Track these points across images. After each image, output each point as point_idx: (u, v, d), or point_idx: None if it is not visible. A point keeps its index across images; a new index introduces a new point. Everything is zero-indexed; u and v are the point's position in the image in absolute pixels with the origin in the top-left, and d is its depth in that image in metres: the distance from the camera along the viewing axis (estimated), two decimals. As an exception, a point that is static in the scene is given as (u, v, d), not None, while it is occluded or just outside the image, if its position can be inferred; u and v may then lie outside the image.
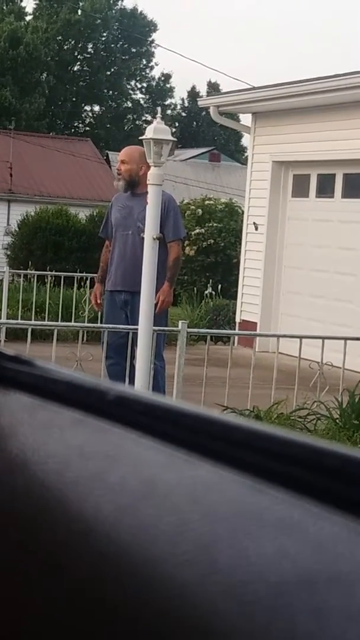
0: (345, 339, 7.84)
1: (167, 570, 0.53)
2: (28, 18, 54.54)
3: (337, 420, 7.08)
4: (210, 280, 16.51)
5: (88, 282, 14.54)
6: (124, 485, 0.63)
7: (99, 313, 12.93)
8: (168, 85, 61.49)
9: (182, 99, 63.34)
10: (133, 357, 7.09)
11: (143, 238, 6.75)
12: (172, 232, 7.48)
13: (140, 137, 6.99)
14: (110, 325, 7.55)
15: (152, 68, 61.04)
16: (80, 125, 58.96)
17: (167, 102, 60.29)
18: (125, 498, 0.61)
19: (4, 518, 0.65)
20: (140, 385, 6.70)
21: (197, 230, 17.14)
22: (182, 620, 0.51)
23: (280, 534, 0.53)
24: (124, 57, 58.73)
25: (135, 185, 7.61)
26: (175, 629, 0.51)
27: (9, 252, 21.75)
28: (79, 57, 57.88)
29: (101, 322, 8.76)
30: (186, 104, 61.91)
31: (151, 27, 59.28)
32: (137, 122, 58.37)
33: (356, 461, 0.57)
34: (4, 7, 54.21)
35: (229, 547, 0.53)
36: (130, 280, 7.38)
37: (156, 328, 6.96)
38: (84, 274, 14.93)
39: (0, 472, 0.69)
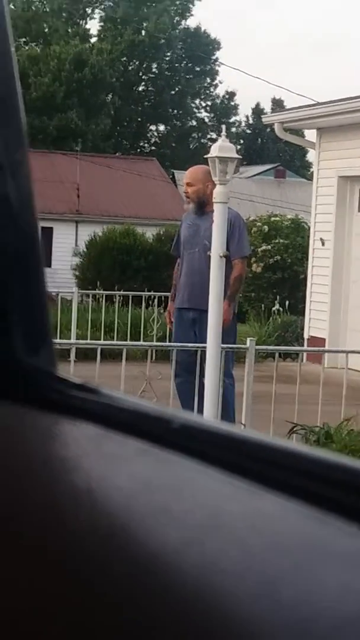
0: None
1: (232, 606, 0.53)
2: (93, 40, 55.05)
3: None
4: (278, 297, 16.45)
5: (156, 300, 14.60)
6: (189, 518, 0.63)
7: (168, 331, 12.99)
8: (232, 103, 61.59)
9: (247, 116, 63.45)
10: (202, 374, 7.08)
11: (209, 256, 6.77)
12: (236, 249, 7.52)
13: (205, 156, 7.00)
14: (179, 344, 7.57)
15: (216, 86, 61.16)
16: (145, 145, 59.29)
17: (231, 120, 60.39)
18: (190, 531, 0.61)
19: (71, 553, 0.66)
20: (210, 403, 6.69)
21: (264, 247, 17.11)
22: None
23: (346, 569, 0.52)
24: (188, 76, 58.97)
25: (204, 204, 7.66)
26: None
27: (77, 273, 21.91)
28: (143, 77, 58.25)
29: (170, 341, 8.78)
30: (250, 121, 61.96)
31: (214, 45, 59.44)
32: (202, 141, 58.52)
33: None
34: (69, 30, 54.84)
35: (293, 582, 0.53)
36: (198, 298, 7.41)
37: (224, 346, 6.95)
38: (152, 293, 14.98)
39: (66, 504, 0.70)
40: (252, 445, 0.69)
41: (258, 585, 0.53)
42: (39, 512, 0.72)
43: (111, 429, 0.80)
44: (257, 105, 62.22)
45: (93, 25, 72.15)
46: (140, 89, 58.53)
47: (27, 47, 50.88)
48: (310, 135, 15.11)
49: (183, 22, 59.34)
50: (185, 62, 59.11)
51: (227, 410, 7.34)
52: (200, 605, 0.54)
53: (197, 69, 59.48)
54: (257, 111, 59.68)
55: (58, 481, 0.74)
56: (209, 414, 6.72)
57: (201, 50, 57.01)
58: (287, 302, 16.20)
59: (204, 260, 7.35)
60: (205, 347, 6.81)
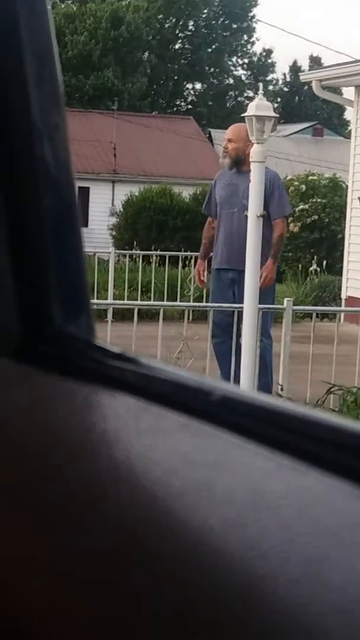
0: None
1: (276, 589, 0.52)
2: (128, -2, 54.69)
3: None
4: (315, 257, 16.38)
5: (193, 261, 14.56)
6: (231, 496, 0.61)
7: (204, 292, 12.97)
8: (269, 61, 61.07)
9: (284, 74, 62.91)
10: (239, 335, 7.08)
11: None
12: (276, 209, 7.48)
13: (242, 114, 6.95)
14: (216, 305, 7.55)
15: (253, 44, 60.67)
16: (182, 103, 58.97)
17: (268, 78, 59.90)
18: (232, 510, 0.60)
19: (110, 529, 0.65)
20: (247, 365, 6.69)
21: (301, 207, 17.01)
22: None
23: None
24: (225, 34, 58.48)
25: (241, 163, 7.58)
26: None
27: (114, 233, 21.91)
28: (180, 35, 57.83)
29: (207, 301, 8.76)
30: (288, 79, 61.42)
31: (252, 2, 58.85)
32: (239, 99, 58.13)
33: None
34: (105, -12, 54.49)
35: (338, 564, 0.51)
36: (237, 258, 7.37)
37: (261, 306, 6.93)
38: (189, 253, 14.96)
39: (105, 480, 0.69)
40: (295, 419, 0.68)
41: (302, 567, 0.52)
42: (78, 486, 0.71)
43: (150, 400, 0.79)
44: (295, 62, 61.67)
45: (129, -17, 71.62)
46: (177, 47, 58.12)
47: (63, 5, 50.60)
48: (349, 92, 14.95)
49: (220, -22, 58.79)
50: (222, 19, 58.59)
51: (265, 371, 7.32)
52: (242, 588, 0.53)
53: (234, 26, 58.95)
54: (295, 69, 59.14)
55: (97, 454, 0.73)
56: (246, 376, 6.71)
57: (238, 7, 56.46)
58: (324, 262, 16.12)
59: (244, 220, 7.32)
60: (242, 308, 6.79)
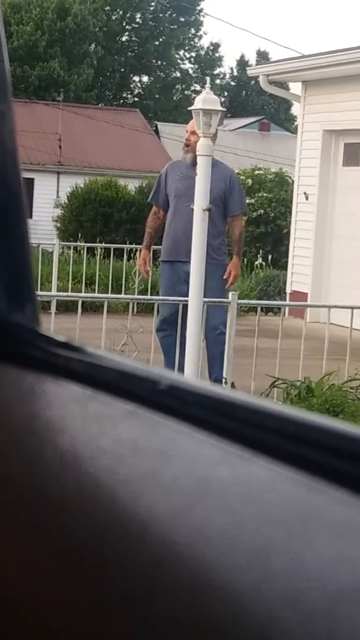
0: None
1: (222, 575, 0.52)
2: (76, -12, 54.41)
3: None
4: (261, 251, 16.44)
5: (138, 253, 14.55)
6: (178, 484, 0.61)
7: (150, 284, 12.95)
8: (217, 55, 61.13)
9: (231, 68, 63.04)
10: (213, 328, 7.25)
11: (208, 210, 6.75)
12: (238, 205, 7.56)
13: (189, 108, 6.95)
14: (161, 298, 7.55)
15: (200, 37, 60.62)
16: (128, 96, 58.85)
17: (216, 72, 59.96)
18: (179, 497, 0.60)
19: (55, 516, 0.64)
20: (192, 356, 6.71)
21: (247, 201, 17.04)
22: (238, 628, 0.49)
23: (338, 538, 0.51)
24: (172, 27, 58.43)
25: None
26: (231, 637, 0.49)
27: (58, 225, 21.81)
28: (127, 27, 57.69)
29: (153, 294, 8.74)
30: (235, 73, 61.53)
31: (199, -5, 58.84)
32: (185, 92, 58.12)
33: None
34: (52, -22, 54.14)
35: (284, 551, 0.52)
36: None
37: (207, 300, 6.95)
38: (134, 246, 14.95)
39: (51, 468, 0.68)
40: (242, 408, 0.68)
41: (249, 554, 0.52)
42: (23, 473, 0.71)
43: (96, 389, 0.79)
44: (242, 57, 61.85)
45: (76, -26, 71.22)
46: (124, 39, 57.97)
47: (9, -5, 50.21)
48: (296, 88, 15.02)
49: (168, -29, 58.73)
50: (169, 12, 58.53)
51: (221, 360, 7.36)
52: (189, 574, 0.53)
53: (182, 19, 58.92)
54: (242, 63, 59.26)
55: (42, 442, 0.72)
56: (191, 368, 6.73)
57: (185, 0, 56.42)
58: (270, 257, 16.19)
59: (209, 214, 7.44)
60: (187, 301, 6.81)
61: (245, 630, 0.49)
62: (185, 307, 7.03)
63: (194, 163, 7.55)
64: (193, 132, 7.58)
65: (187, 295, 7.31)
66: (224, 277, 7.57)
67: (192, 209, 7.46)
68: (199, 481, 0.61)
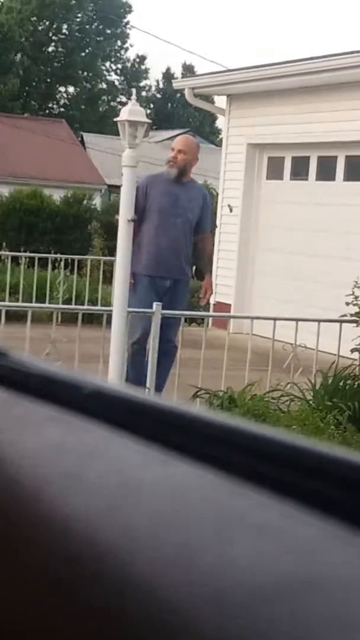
0: (319, 320, 7.87)
1: (146, 574, 0.53)
2: (2, -2, 54.09)
3: (311, 402, 7.10)
4: (185, 262, 16.47)
5: (62, 263, 14.53)
6: (101, 486, 0.62)
7: (74, 294, 12.91)
8: (143, 67, 61.24)
9: (157, 81, 63.16)
10: (167, 340, 7.32)
11: (191, 228, 6.81)
12: (210, 223, 7.68)
13: (115, 119, 6.97)
14: (85, 307, 7.55)
15: (127, 49, 60.78)
16: (54, 106, 58.64)
17: (142, 84, 60.06)
18: (102, 499, 0.61)
19: None
20: (116, 363, 6.75)
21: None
22: (161, 626, 0.50)
23: (259, 538, 0.53)
24: (98, 39, 58.41)
25: (185, 174, 7.71)
26: (154, 635, 0.50)
27: (-18, 233, 21.60)
28: (53, 38, 57.50)
29: (77, 303, 8.69)
30: (161, 86, 61.68)
31: (126, 8, 58.97)
32: (111, 104, 58.11)
33: (337, 461, 0.57)
34: (-22, -14, 53.73)
35: (207, 551, 0.53)
36: (177, 267, 7.61)
37: (130, 309, 6.99)
38: (58, 255, 14.92)
39: None
40: (164, 412, 0.69)
41: (171, 554, 0.53)
42: None
43: (20, 393, 0.79)
44: (168, 70, 61.97)
45: (3, -18, 70.75)
46: (50, 49, 57.76)
47: None
48: (221, 101, 15.12)
49: (94, -18, 58.69)
50: (96, 24, 58.51)
51: (168, 370, 7.42)
52: (112, 573, 0.54)
53: (108, 31, 58.94)
54: (168, 76, 59.43)
55: None
56: (115, 374, 6.75)
57: (112, 12, 56.47)
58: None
59: (187, 231, 7.63)
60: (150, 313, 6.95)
61: (169, 628, 0.50)
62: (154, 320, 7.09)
63: (177, 179, 7.60)
64: (180, 150, 7.67)
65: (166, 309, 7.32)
66: (201, 295, 7.86)
67: (176, 225, 7.52)
68: (122, 483, 0.62)
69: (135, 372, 7.41)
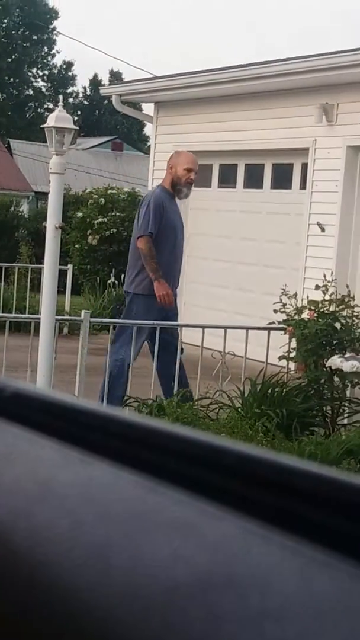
0: (247, 328, 7.90)
1: (63, 574, 0.53)
2: None
3: (239, 409, 7.13)
4: (113, 270, 16.46)
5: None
6: (19, 487, 0.62)
7: (1, 302, 12.80)
8: (70, 74, 61.09)
9: (84, 88, 63.03)
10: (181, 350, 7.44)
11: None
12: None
13: (42, 125, 6.94)
14: (12, 315, 7.49)
15: (53, 56, 60.55)
16: (-20, 112, 58.20)
17: (69, 90, 59.89)
18: (20, 500, 0.61)
19: None
20: (44, 370, 6.74)
21: (100, 220, 17.08)
22: (77, 625, 0.50)
23: (175, 536, 0.53)
24: (25, 45, 58.14)
25: None
26: (70, 634, 0.50)
27: None
28: (-21, 43, 57.11)
29: (9, 312, 8.63)
30: (88, 93, 61.59)
31: (52, 14, 58.79)
32: (38, 110, 57.88)
33: (253, 459, 0.57)
34: None
35: (124, 549, 0.53)
36: (176, 280, 7.80)
37: (58, 317, 6.96)
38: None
39: None
40: (84, 413, 0.69)
41: (88, 554, 0.53)
42: None
43: None
44: (95, 76, 61.88)
45: None
46: (-24, 55, 57.36)
47: None
48: (148, 108, 15.14)
49: (21, -12, 58.42)
50: (22, 30, 58.23)
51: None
52: (30, 574, 0.54)
53: (35, 37, 58.70)
54: (95, 83, 59.35)
55: None
56: (42, 379, 6.72)
57: (39, 18, 56.26)
58: (122, 275, 16.21)
59: (183, 245, 7.81)
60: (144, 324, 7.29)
61: (85, 627, 0.50)
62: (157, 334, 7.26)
63: (176, 196, 7.80)
64: (196, 172, 7.89)
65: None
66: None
67: (178, 241, 7.71)
68: (40, 484, 0.62)
69: (120, 392, 7.39)
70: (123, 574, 0.51)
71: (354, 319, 7.25)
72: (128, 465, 0.61)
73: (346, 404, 7.36)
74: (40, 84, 60.72)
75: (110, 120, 58.04)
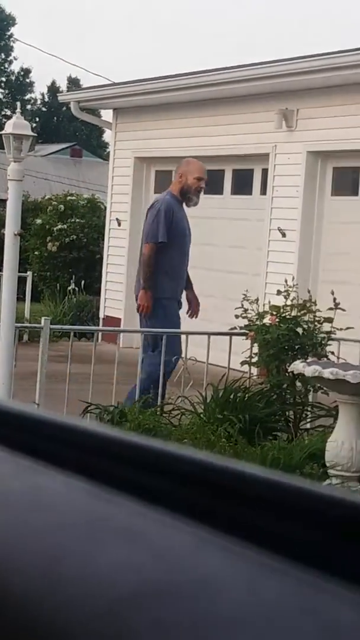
0: (209, 333, 7.89)
1: (14, 583, 0.52)
2: None
3: (202, 415, 7.11)
4: (74, 276, 16.41)
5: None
6: None
7: None
8: (28, 80, 60.89)
9: (42, 94, 62.83)
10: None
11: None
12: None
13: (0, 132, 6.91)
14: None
15: (11, 62, 60.29)
16: None
17: (26, 97, 59.67)
18: None
19: None
20: (4, 376, 6.71)
21: (60, 226, 17.02)
22: (26, 633, 0.50)
23: (125, 544, 0.53)
24: (-18, 51, 57.89)
25: None
26: None
27: None
28: None
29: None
30: (46, 99, 61.42)
31: (9, 21, 58.60)
32: (-4, 117, 57.63)
33: (202, 466, 0.57)
34: None
35: (73, 557, 0.53)
36: (183, 287, 7.92)
37: (18, 325, 6.93)
38: None
39: None
40: (33, 421, 0.68)
41: (40, 561, 0.53)
42: None
43: None
44: (53, 83, 61.70)
45: None
46: None
47: None
48: (107, 115, 15.13)
49: (-23, -5, 58.18)
50: (-21, 36, 57.97)
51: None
52: None
53: (-8, 44, 58.47)
54: (53, 89, 59.17)
55: None
56: (1, 389, 6.68)
57: (-4, 25, 56.04)
58: (82, 282, 16.18)
59: (189, 251, 7.87)
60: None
61: (35, 635, 0.49)
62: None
63: (184, 203, 7.87)
64: (205, 181, 8.03)
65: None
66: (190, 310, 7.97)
67: (186, 247, 7.80)
68: None
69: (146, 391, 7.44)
70: (73, 582, 0.51)
71: (316, 323, 7.26)
72: (78, 473, 0.61)
73: (308, 409, 7.38)
74: (-2, 90, 60.48)
75: (69, 126, 57.90)
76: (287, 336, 7.12)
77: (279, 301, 7.49)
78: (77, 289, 15.94)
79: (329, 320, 7.23)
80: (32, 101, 61.41)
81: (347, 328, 7.23)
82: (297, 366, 6.30)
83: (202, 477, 0.57)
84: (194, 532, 0.52)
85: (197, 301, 8.07)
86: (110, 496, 0.58)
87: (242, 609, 0.45)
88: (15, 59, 61.29)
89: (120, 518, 0.56)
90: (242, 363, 7.58)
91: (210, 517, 0.54)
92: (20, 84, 60.33)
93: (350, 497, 0.52)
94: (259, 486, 0.54)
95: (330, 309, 7.27)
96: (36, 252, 16.99)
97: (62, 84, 59.49)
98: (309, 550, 0.50)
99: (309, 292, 7.77)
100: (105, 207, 15.13)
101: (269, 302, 7.70)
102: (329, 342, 7.29)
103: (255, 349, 7.45)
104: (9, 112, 51.60)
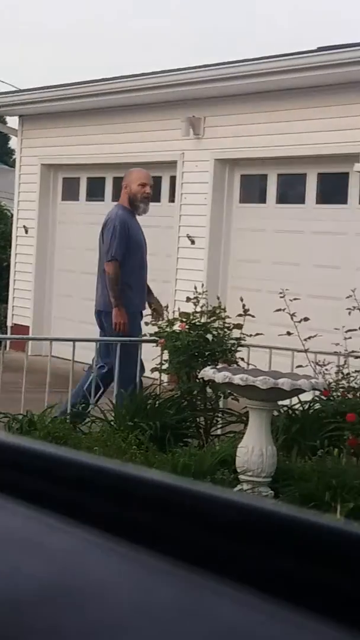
0: (119, 341, 7.86)
1: None
2: None
3: (112, 423, 7.08)
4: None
5: None
6: None
7: None
8: None
9: None
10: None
11: None
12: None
13: None
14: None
15: None
16: None
17: None
18: None
19: None
20: None
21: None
22: None
23: (19, 551, 0.53)
24: None
25: None
26: None
27: None
28: None
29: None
30: None
31: None
32: None
33: (102, 472, 0.57)
34: None
35: None
36: (144, 298, 7.87)
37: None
38: None
39: None
40: None
41: None
42: None
43: None
44: None
45: None
46: None
47: None
48: (13, 122, 15.00)
49: None
50: None
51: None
52: None
53: None
54: None
55: None
56: None
57: None
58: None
59: (147, 259, 7.86)
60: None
61: None
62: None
63: (136, 213, 7.90)
64: (150, 186, 8.08)
65: None
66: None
67: (143, 259, 7.79)
68: None
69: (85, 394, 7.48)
70: None
71: (225, 330, 7.28)
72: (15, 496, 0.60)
73: (219, 415, 7.40)
74: None
75: (-26, 134, 57.39)
76: (197, 343, 7.12)
77: (189, 308, 7.50)
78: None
79: (239, 326, 7.25)
80: None
81: (257, 334, 7.26)
82: (208, 372, 6.31)
83: (90, 480, 0.56)
84: (84, 537, 0.52)
85: (159, 304, 7.97)
86: (2, 502, 0.57)
87: (132, 612, 0.45)
88: None
89: (10, 524, 0.55)
90: (153, 370, 7.57)
91: (101, 520, 0.54)
92: None
93: (239, 499, 0.52)
94: (144, 487, 0.54)
95: (240, 315, 7.30)
96: None
97: (-32, 91, 58.95)
98: (197, 552, 0.50)
99: (218, 298, 7.79)
100: (12, 215, 14.99)
101: (179, 308, 7.71)
102: (239, 349, 7.31)
103: (166, 356, 7.44)
104: None
